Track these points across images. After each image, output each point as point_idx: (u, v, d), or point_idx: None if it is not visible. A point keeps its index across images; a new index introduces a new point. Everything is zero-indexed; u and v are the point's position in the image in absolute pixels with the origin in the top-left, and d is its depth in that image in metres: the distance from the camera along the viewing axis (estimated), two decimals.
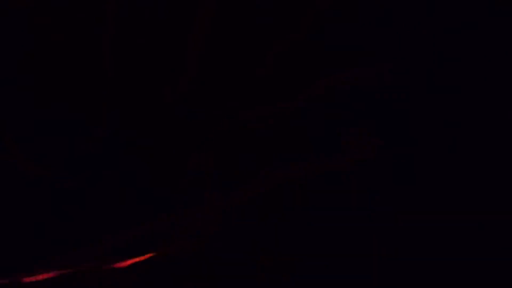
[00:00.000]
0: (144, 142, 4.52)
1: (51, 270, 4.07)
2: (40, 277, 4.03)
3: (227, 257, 4.23)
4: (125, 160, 4.49)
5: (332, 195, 4.34)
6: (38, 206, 4.39)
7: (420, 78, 4.40)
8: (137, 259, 4.13)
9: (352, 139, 4.36)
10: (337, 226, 4.28)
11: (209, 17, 4.42)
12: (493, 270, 4.11)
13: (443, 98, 4.37)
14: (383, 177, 4.33)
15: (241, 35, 4.52)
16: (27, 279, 4.02)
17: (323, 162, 4.36)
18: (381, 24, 4.46)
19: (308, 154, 4.40)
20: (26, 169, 4.41)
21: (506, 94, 4.34)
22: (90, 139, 4.50)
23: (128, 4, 4.51)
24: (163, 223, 4.23)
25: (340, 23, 4.48)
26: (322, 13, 4.47)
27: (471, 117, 4.33)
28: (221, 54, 4.51)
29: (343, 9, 4.48)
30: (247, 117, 4.42)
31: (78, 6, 4.51)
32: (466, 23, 4.38)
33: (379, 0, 4.46)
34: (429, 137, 4.34)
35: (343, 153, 4.36)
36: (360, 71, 4.43)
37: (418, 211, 4.21)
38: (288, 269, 4.22)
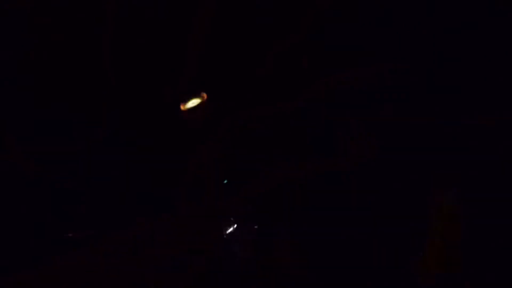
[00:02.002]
0: (144, 142, 4.52)
1: (52, 269, 4.07)
2: (41, 276, 4.04)
3: (227, 257, 4.23)
4: (125, 160, 4.49)
5: (332, 195, 4.34)
6: (38, 206, 4.39)
7: (420, 78, 4.41)
8: (137, 259, 4.13)
9: (352, 139, 4.36)
10: (337, 226, 4.28)
11: (209, 17, 4.42)
12: (493, 270, 4.12)
13: (443, 98, 4.38)
14: (383, 177, 4.34)
15: (241, 35, 4.52)
16: (27, 278, 4.02)
17: (323, 162, 4.36)
18: (381, 24, 4.46)
19: (308, 154, 4.40)
20: (26, 169, 4.41)
21: (506, 94, 4.34)
22: (90, 139, 4.50)
23: (128, 4, 4.51)
24: (162, 223, 4.23)
25: (340, 23, 4.48)
26: (322, 13, 4.47)
27: (471, 117, 4.34)
28: (220, 54, 4.51)
29: (343, 9, 4.48)
30: (247, 117, 4.42)
31: (78, 6, 4.51)
32: (466, 23, 4.38)
33: (379, 0, 4.47)
34: (429, 137, 4.35)
35: (343, 153, 4.37)
36: (360, 71, 4.43)
37: (417, 211, 4.22)
38: (288, 269, 4.22)
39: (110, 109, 4.53)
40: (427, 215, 4.19)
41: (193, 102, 4.32)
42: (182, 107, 4.15)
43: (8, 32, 4.47)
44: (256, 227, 4.36)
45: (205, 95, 4.15)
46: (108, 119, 4.53)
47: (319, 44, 4.51)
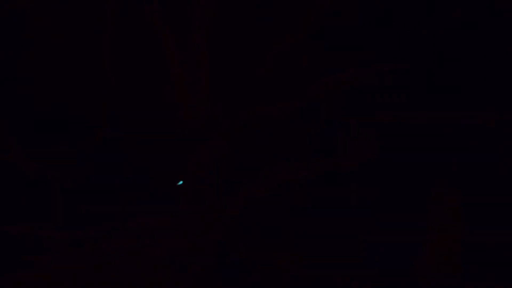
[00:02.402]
0: (144, 142, 4.52)
1: (52, 269, 4.07)
2: (40, 275, 4.04)
3: (228, 257, 4.23)
4: (125, 160, 4.49)
5: (332, 195, 4.34)
6: (38, 206, 4.39)
7: (420, 78, 4.40)
8: (137, 259, 4.13)
9: (352, 139, 4.36)
10: (337, 226, 4.28)
11: (209, 17, 4.42)
12: (493, 270, 4.11)
13: (443, 98, 4.38)
14: (383, 177, 4.33)
15: (241, 35, 4.52)
16: (27, 278, 4.02)
17: (323, 162, 4.36)
18: (381, 24, 4.46)
19: (308, 154, 4.40)
20: (26, 169, 4.41)
21: (506, 94, 4.34)
22: (90, 139, 4.50)
23: (128, 4, 4.51)
24: (163, 223, 4.23)
25: (340, 23, 4.48)
26: (322, 13, 4.47)
27: (471, 117, 4.33)
28: (221, 54, 4.51)
29: (343, 9, 4.48)
30: (247, 117, 4.42)
31: (78, 6, 4.51)
32: (466, 23, 4.38)
33: (379, 0, 4.47)
34: (429, 137, 4.34)
35: (343, 153, 4.37)
36: (360, 71, 4.43)
37: (417, 211, 4.21)
38: (288, 268, 4.22)
39: (110, 109, 4.53)
40: (427, 215, 4.18)
41: None
42: None
43: (8, 32, 4.47)
44: (256, 227, 4.36)
45: None
46: (108, 119, 4.53)
47: (319, 44, 4.51)
